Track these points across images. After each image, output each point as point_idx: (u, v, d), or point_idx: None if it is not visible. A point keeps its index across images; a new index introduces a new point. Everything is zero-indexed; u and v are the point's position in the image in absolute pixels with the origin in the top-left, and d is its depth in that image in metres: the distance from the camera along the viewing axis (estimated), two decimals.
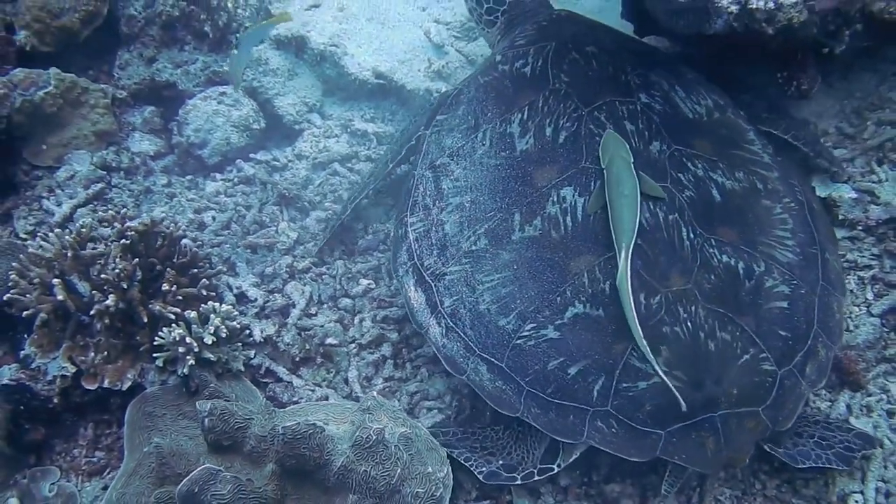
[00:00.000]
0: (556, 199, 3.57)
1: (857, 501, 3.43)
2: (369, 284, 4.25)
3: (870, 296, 3.93)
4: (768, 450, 3.39)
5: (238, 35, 4.72)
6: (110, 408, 3.83)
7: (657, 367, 3.15)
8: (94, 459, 3.79)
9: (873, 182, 4.18)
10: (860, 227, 4.07)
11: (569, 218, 3.52)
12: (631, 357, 3.25)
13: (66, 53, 4.93)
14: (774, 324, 3.38)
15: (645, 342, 3.16)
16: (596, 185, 3.54)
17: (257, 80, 5.08)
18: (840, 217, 4.10)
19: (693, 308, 3.31)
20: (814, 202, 3.91)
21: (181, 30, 5.06)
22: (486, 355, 3.46)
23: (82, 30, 4.88)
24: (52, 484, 3.72)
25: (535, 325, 3.39)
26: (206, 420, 3.18)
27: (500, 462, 3.48)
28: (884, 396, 3.71)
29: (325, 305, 4.19)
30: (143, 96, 5.09)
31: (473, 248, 3.60)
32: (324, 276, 4.30)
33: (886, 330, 3.83)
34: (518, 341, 3.40)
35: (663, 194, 3.50)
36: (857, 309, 3.91)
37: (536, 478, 3.43)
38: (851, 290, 3.96)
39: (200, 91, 5.01)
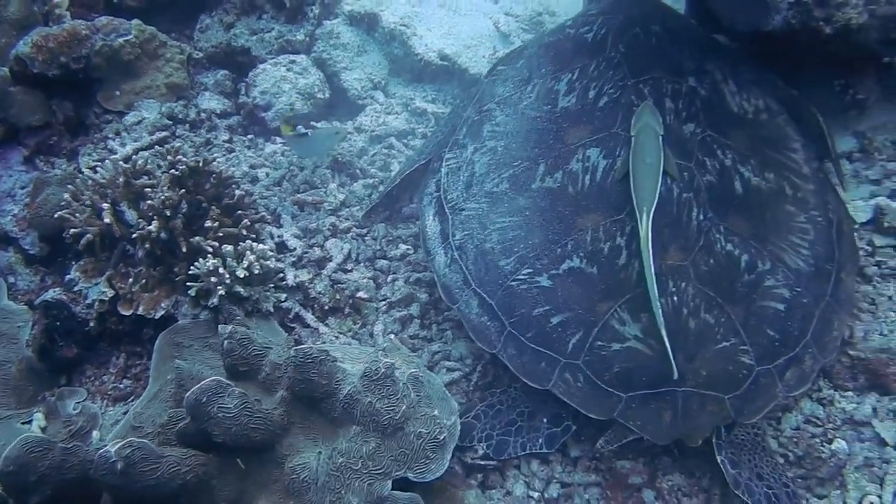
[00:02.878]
0: (581, 157, 3.63)
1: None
2: (407, 249, 4.29)
3: None
4: (719, 461, 3.31)
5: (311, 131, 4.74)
6: (142, 339, 3.96)
7: (664, 333, 3.14)
8: (121, 386, 3.91)
9: None
10: None
11: (588, 176, 3.57)
12: (612, 318, 3.29)
13: (153, 13, 5.17)
14: (764, 321, 3.35)
15: (659, 306, 3.16)
16: (622, 150, 3.58)
17: (327, 52, 5.22)
18: (885, 225, 4.00)
19: (683, 284, 3.32)
20: (844, 225, 3.78)
21: None
22: (480, 290, 3.55)
23: None
24: (77, 403, 3.83)
25: (531, 270, 3.45)
26: (226, 342, 3.23)
27: (545, 419, 3.48)
28: None
29: (362, 264, 4.25)
30: (218, 60, 5.30)
31: (495, 189, 3.69)
32: (365, 238, 4.37)
33: None
34: (512, 283, 3.47)
35: (677, 175, 3.50)
36: (892, 314, 3.78)
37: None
38: (890, 297, 3.85)
39: (272, 58, 5.16)
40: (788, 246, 3.51)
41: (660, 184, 3.36)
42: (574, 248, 3.43)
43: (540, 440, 3.42)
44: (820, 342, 3.43)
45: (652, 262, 3.20)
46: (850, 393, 3.67)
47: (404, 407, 3.13)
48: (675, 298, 3.29)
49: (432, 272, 3.78)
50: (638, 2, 4.35)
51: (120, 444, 2.90)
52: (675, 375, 3.16)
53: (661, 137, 3.49)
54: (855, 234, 3.91)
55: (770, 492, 3.31)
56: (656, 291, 3.17)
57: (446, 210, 3.79)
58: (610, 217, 3.46)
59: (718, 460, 3.31)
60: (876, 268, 3.98)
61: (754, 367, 3.28)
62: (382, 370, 3.12)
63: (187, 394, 2.99)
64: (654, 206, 3.30)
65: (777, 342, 3.34)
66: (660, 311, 3.15)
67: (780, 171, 3.70)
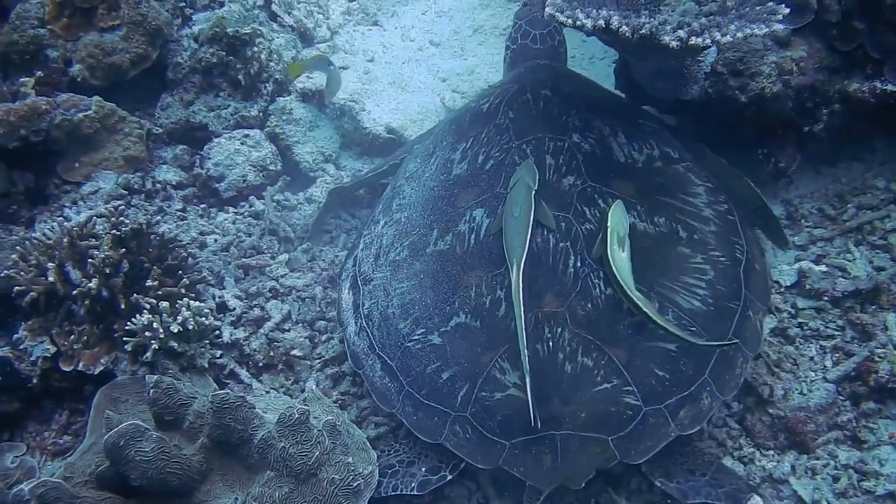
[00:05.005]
0: (468, 219, 3.82)
1: None
2: None
3: (828, 363, 3.91)
4: (659, 484, 3.41)
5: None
6: (84, 396, 4.04)
7: (527, 381, 3.26)
8: (61, 442, 3.99)
9: (847, 260, 4.23)
10: (826, 298, 4.08)
11: (473, 236, 3.75)
12: (494, 368, 3.42)
13: (116, 92, 5.40)
14: (652, 362, 3.42)
15: (527, 354, 3.28)
16: (502, 208, 3.73)
17: (280, 127, 5.44)
18: (807, 287, 4.13)
19: (559, 330, 3.44)
20: (756, 263, 3.89)
21: (218, 77, 5.50)
22: (382, 354, 3.72)
23: (130, 69, 5.36)
24: (16, 457, 3.91)
25: (424, 330, 3.62)
26: (152, 391, 3.35)
27: (424, 469, 3.57)
28: (831, 462, 3.65)
29: (301, 325, 4.38)
30: (177, 136, 5.52)
31: (397, 258, 3.89)
32: (305, 299, 4.51)
33: (842, 398, 3.80)
34: (409, 344, 3.63)
35: (553, 225, 3.65)
36: (813, 374, 3.89)
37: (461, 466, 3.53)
38: (811, 358, 3.96)
39: (228, 133, 5.39)
40: (681, 287, 3.60)
41: (529, 235, 3.50)
42: (460, 305, 3.60)
43: (413, 484, 3.50)
44: (720, 381, 3.49)
45: (522, 311, 3.32)
46: (770, 451, 3.75)
47: (318, 453, 3.22)
48: (551, 344, 3.41)
49: (345, 342, 3.95)
50: (537, 71, 4.57)
51: (34, 484, 3.01)
52: (536, 424, 3.26)
53: (533, 192, 3.64)
54: (768, 273, 4.04)
55: (705, 478, 3.43)
56: (525, 340, 3.29)
57: (358, 282, 4.00)
58: (491, 272, 3.62)
59: (658, 484, 3.41)
60: (798, 329, 4.09)
61: (641, 407, 3.35)
62: (297, 416, 3.22)
63: (105, 436, 3.10)
64: (525, 256, 3.43)
65: (668, 381, 3.41)
66: (527, 359, 3.27)
67: (674, 215, 3.81)
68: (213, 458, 3.29)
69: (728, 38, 3.18)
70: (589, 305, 3.49)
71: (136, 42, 5.34)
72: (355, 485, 3.26)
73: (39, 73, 5.19)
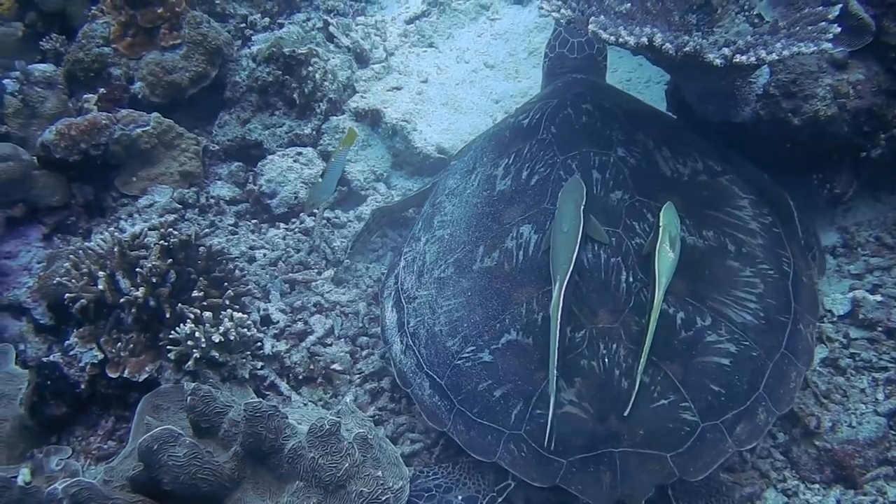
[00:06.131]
0: (515, 235, 3.77)
1: None
2: None
3: (880, 396, 3.78)
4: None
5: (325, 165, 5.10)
6: (129, 403, 4.11)
7: (552, 398, 3.23)
8: (106, 447, 4.07)
9: None
10: (880, 329, 3.96)
11: (521, 252, 3.71)
12: (547, 386, 3.33)
13: (175, 109, 5.56)
14: (707, 377, 3.37)
15: (556, 373, 3.23)
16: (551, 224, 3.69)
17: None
18: (861, 317, 4.01)
19: (614, 346, 3.38)
20: (803, 276, 3.83)
21: (274, 95, 5.62)
22: (430, 372, 3.67)
23: (189, 87, 5.52)
24: (61, 460, 3.99)
25: (474, 347, 3.58)
26: (189, 398, 3.38)
27: (461, 497, 3.55)
28: (879, 498, 3.52)
29: (343, 340, 4.40)
30: (233, 152, 5.63)
31: (442, 275, 3.86)
32: (349, 315, 4.53)
33: (893, 432, 3.66)
34: (458, 362, 3.59)
35: (606, 239, 3.61)
36: (863, 406, 3.77)
37: (499, 500, 3.51)
38: (862, 390, 3.85)
39: (281, 151, 5.48)
40: (732, 300, 3.55)
41: (576, 251, 3.42)
42: (511, 322, 3.55)
43: None
44: (775, 395, 3.43)
45: (557, 330, 3.26)
46: (815, 485, 3.65)
47: (347, 465, 3.20)
48: (607, 361, 3.36)
49: (390, 360, 3.94)
50: (575, 85, 4.52)
51: (68, 483, 3.05)
52: (549, 445, 3.26)
53: (581, 207, 3.57)
54: (817, 287, 3.98)
55: None
56: (556, 359, 3.23)
57: (402, 300, 3.98)
58: (541, 289, 3.58)
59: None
60: (850, 360, 3.98)
61: (699, 423, 3.29)
62: (327, 427, 3.21)
63: (140, 440, 3.14)
64: (569, 273, 3.36)
65: (723, 396, 3.35)
66: (555, 378, 3.23)
67: (721, 229, 3.76)
68: (246, 466, 3.30)
69: (774, 55, 3.11)
70: (642, 321, 3.43)
71: (196, 61, 5.49)
72: (384, 499, 3.23)
73: (102, 89, 5.39)
